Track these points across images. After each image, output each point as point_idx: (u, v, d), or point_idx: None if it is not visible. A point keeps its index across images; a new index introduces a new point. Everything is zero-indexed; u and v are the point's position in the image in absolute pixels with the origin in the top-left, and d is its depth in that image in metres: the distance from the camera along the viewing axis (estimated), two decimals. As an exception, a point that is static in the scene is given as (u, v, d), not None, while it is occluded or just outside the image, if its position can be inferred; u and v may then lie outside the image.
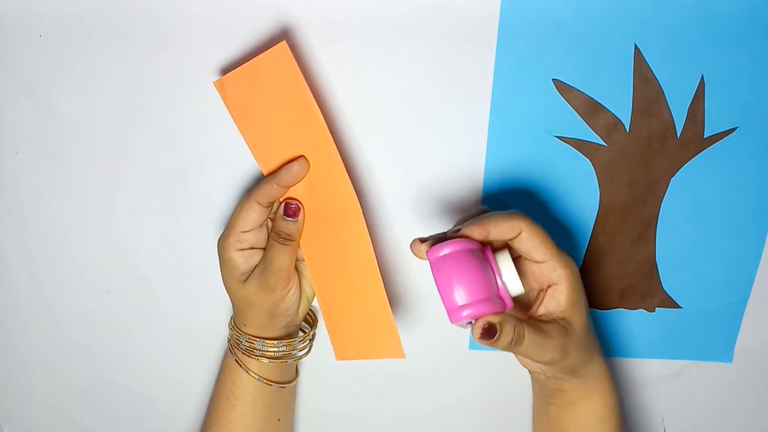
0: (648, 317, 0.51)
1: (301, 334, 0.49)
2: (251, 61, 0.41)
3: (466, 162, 0.46)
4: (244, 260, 0.45)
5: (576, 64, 0.43)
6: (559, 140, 0.45)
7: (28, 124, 0.46)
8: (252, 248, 0.45)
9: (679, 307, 0.51)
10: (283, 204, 0.44)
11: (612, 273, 0.50)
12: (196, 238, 0.50)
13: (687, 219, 0.48)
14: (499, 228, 0.39)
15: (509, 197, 0.47)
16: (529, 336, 0.38)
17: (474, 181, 0.47)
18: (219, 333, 0.53)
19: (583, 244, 0.49)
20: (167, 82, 0.45)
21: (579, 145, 0.45)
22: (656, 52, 0.42)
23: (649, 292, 0.50)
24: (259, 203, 0.43)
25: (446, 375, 0.54)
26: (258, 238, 0.45)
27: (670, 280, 0.50)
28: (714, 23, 0.42)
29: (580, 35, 0.42)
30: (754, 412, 0.55)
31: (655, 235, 0.48)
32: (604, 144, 0.45)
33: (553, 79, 0.43)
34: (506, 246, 0.41)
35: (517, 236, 0.39)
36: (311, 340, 0.50)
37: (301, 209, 0.45)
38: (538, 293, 0.41)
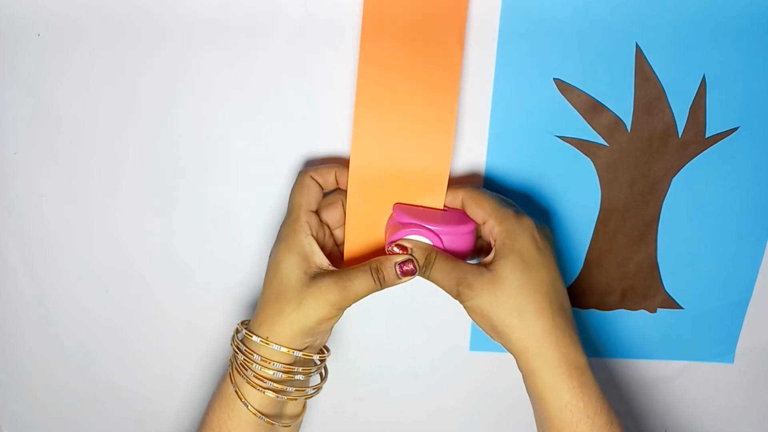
0: (649, 318, 0.51)
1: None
2: None
3: (467, 162, 0.46)
4: (311, 249, 0.42)
5: (577, 63, 0.43)
6: (560, 140, 0.45)
7: (27, 124, 0.46)
8: (317, 240, 0.42)
9: (681, 307, 0.50)
10: (404, 261, 0.42)
11: (613, 273, 0.49)
12: (195, 238, 0.49)
13: (688, 219, 0.47)
14: (447, 198, 0.44)
15: (510, 197, 0.47)
16: (438, 262, 0.42)
17: (475, 180, 0.47)
18: (218, 333, 0.53)
19: (584, 244, 0.48)
20: (167, 82, 0.44)
21: (580, 144, 0.45)
22: (657, 52, 0.42)
23: (651, 293, 0.50)
24: (313, 177, 0.43)
25: (446, 376, 0.54)
26: (321, 232, 0.44)
27: (671, 281, 0.50)
28: (716, 23, 0.41)
29: (581, 35, 0.42)
30: (756, 412, 0.55)
31: (656, 236, 0.48)
32: (606, 144, 0.45)
33: (554, 79, 0.43)
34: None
35: (461, 204, 0.43)
36: (322, 378, 0.46)
37: (417, 271, 0.42)
38: None
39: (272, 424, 0.43)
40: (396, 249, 0.42)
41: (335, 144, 0.46)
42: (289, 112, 0.45)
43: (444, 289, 0.42)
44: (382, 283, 0.42)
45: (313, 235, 0.42)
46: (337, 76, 0.44)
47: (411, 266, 0.42)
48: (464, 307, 0.42)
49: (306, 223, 0.42)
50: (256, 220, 0.49)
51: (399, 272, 0.42)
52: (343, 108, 0.45)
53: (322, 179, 0.43)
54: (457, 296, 0.41)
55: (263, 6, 0.42)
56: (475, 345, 0.53)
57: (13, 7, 0.42)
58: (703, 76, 0.43)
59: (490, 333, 0.42)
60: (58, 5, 0.42)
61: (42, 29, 0.43)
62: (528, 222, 0.41)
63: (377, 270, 0.42)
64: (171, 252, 0.50)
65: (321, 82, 0.44)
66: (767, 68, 0.43)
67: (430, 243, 0.42)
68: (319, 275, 0.41)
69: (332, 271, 0.42)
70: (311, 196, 0.43)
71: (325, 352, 0.46)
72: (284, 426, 0.45)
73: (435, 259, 0.42)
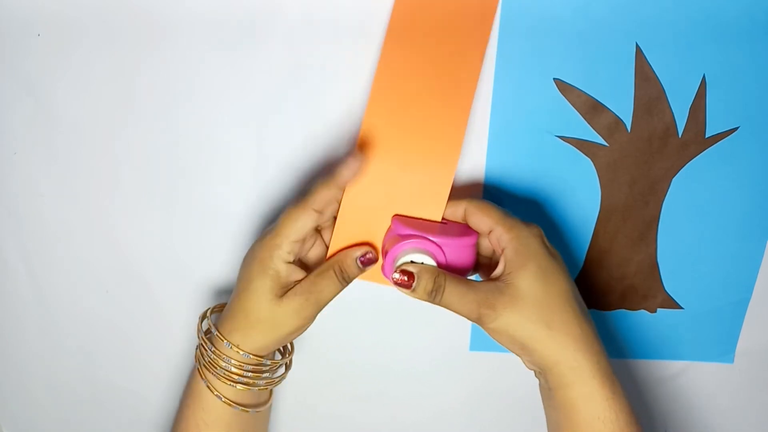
0: (649, 318, 0.51)
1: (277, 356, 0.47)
2: None
3: (467, 162, 0.46)
4: (287, 274, 0.41)
5: (577, 63, 0.43)
6: (560, 140, 0.45)
7: (27, 124, 0.46)
8: (296, 260, 0.42)
9: (681, 307, 0.50)
10: (363, 254, 0.41)
11: (613, 273, 0.49)
12: (195, 238, 0.49)
13: (688, 219, 0.47)
14: (448, 209, 0.42)
15: (510, 197, 0.47)
16: (449, 287, 0.39)
17: (475, 181, 0.47)
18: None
19: (584, 244, 0.48)
20: (167, 82, 0.44)
21: (580, 144, 0.45)
22: (658, 52, 0.42)
23: (651, 293, 0.50)
24: (316, 210, 0.40)
25: (447, 376, 0.54)
26: (305, 247, 0.42)
27: (671, 281, 0.50)
28: (716, 22, 0.41)
29: (581, 34, 0.42)
30: (756, 412, 0.55)
31: (656, 236, 0.48)
32: (606, 144, 0.45)
33: (554, 79, 0.43)
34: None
35: (465, 214, 0.42)
36: (287, 367, 0.47)
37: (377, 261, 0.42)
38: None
39: (247, 411, 0.44)
40: (399, 276, 0.40)
41: (335, 144, 0.46)
42: (289, 112, 0.45)
43: (460, 314, 0.39)
44: (348, 281, 0.42)
45: (291, 262, 0.41)
46: (337, 76, 0.44)
47: (370, 256, 0.41)
48: (486, 329, 0.39)
49: (287, 252, 0.40)
50: (256, 221, 0.49)
51: (360, 264, 0.41)
52: (343, 108, 0.45)
53: (324, 206, 0.41)
54: (478, 319, 0.39)
55: (263, 6, 0.42)
56: (475, 345, 0.53)
57: (13, 7, 0.43)
58: (703, 76, 0.43)
59: (517, 351, 0.40)
60: (58, 5, 0.42)
61: (42, 29, 0.43)
62: (537, 229, 0.41)
63: (341, 271, 0.41)
64: (171, 252, 0.50)
65: (321, 82, 0.44)
66: (767, 68, 0.43)
67: (434, 262, 0.40)
68: (290, 290, 0.41)
69: (301, 283, 0.41)
70: (304, 230, 0.40)
71: (289, 348, 0.47)
72: (258, 412, 0.45)
73: (445, 282, 0.39)
